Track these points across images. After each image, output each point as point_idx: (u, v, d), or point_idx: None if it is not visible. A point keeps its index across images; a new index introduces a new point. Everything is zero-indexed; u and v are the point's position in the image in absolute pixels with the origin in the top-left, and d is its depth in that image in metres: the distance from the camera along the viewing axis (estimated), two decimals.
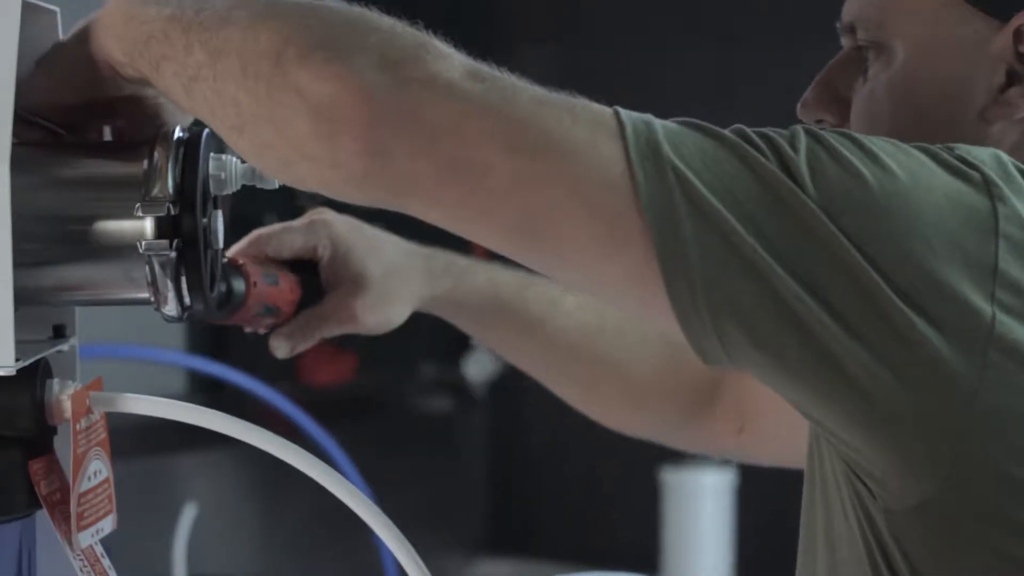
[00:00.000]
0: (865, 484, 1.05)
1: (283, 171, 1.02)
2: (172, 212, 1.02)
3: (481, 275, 1.44)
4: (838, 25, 1.21)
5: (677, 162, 0.98)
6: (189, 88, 1.01)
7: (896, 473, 1.03)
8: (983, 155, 1.05)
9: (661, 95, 1.10)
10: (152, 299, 1.04)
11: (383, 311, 1.38)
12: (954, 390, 1.00)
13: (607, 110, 1.01)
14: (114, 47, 1.04)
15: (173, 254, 1.02)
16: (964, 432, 1.00)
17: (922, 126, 1.11)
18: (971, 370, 1.00)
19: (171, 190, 1.02)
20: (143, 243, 1.02)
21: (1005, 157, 1.05)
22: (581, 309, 1.48)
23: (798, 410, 1.06)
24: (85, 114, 1.09)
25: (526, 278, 1.46)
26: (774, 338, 0.99)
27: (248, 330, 1.38)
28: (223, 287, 1.25)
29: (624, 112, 1.01)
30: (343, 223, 1.38)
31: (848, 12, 1.19)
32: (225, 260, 1.27)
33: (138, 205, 1.02)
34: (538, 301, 1.47)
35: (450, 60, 0.99)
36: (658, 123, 1.01)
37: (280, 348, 1.36)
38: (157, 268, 1.02)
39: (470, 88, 0.98)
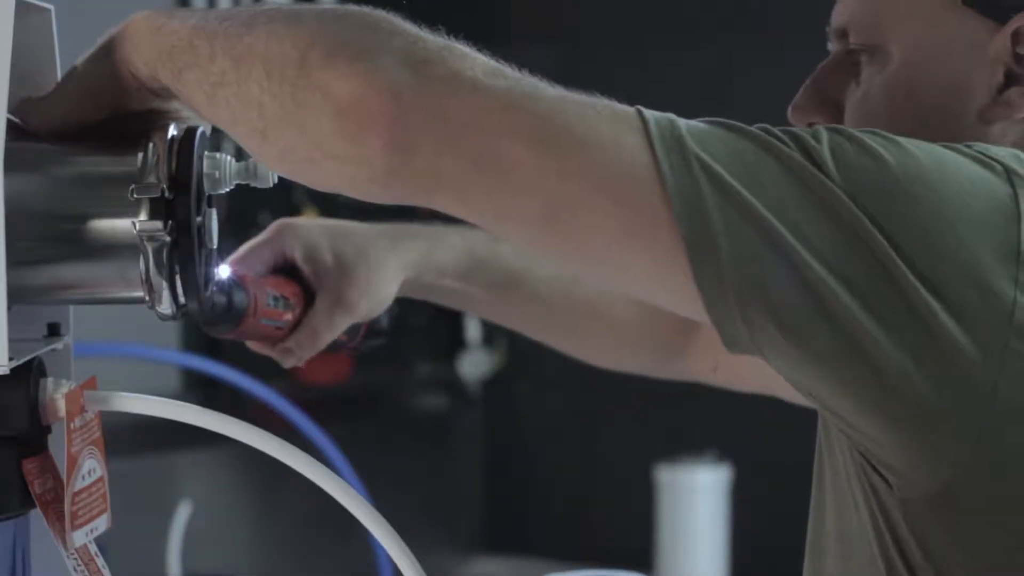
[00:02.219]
0: (882, 475, 1.06)
1: (308, 172, 1.02)
2: (166, 195, 1.02)
3: (454, 235, 1.45)
4: (827, 30, 1.22)
5: (702, 153, 0.99)
6: (212, 95, 1.02)
7: (916, 462, 1.03)
8: (1003, 152, 1.06)
9: (659, 95, 1.10)
10: (146, 297, 1.04)
11: (373, 289, 1.38)
12: (974, 379, 1.00)
13: (629, 107, 1.02)
14: (137, 59, 1.05)
15: (167, 238, 1.02)
16: (985, 420, 1.01)
17: (921, 127, 1.11)
18: (991, 359, 1.00)
19: (166, 177, 1.02)
20: (136, 224, 1.02)
21: (1022, 154, 1.06)
22: None
23: (817, 402, 1.07)
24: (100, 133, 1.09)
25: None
26: (801, 324, 1.00)
27: (257, 347, 1.37)
28: (224, 299, 1.25)
29: (646, 110, 1.02)
30: (304, 221, 1.39)
31: (839, 16, 1.20)
32: (228, 276, 1.27)
33: (132, 187, 1.02)
34: (514, 254, 1.47)
35: (473, 60, 1.00)
36: (680, 120, 1.02)
37: (287, 360, 1.36)
38: (151, 257, 1.02)
39: (494, 85, 0.99)
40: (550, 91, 1.01)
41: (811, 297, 0.99)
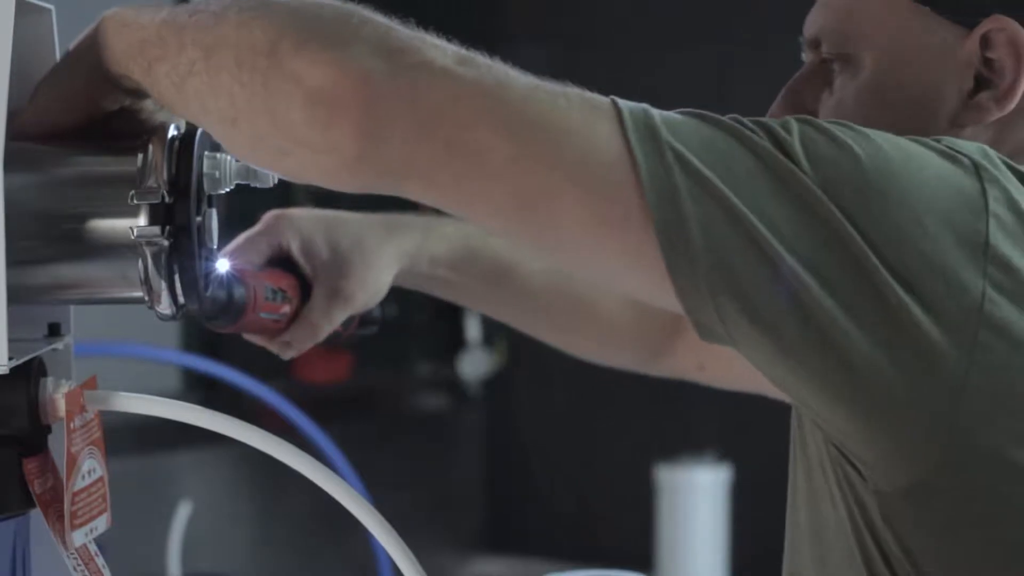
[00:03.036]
0: (855, 467, 1.06)
1: (277, 161, 1.02)
2: (166, 200, 1.02)
3: (448, 225, 1.45)
4: (801, 40, 1.22)
5: (675, 142, 1.00)
6: (181, 86, 1.02)
7: (888, 455, 1.04)
8: (970, 147, 1.07)
9: (658, 95, 1.09)
10: (146, 297, 1.04)
11: (369, 281, 1.39)
12: (945, 372, 1.01)
13: (602, 97, 1.02)
14: (109, 57, 1.05)
15: (166, 242, 1.02)
16: (956, 414, 1.01)
17: (893, 133, 1.12)
18: (961, 352, 1.01)
19: (165, 181, 1.02)
20: (135, 230, 1.02)
21: (991, 151, 1.08)
22: None
23: (790, 394, 1.07)
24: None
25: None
26: (771, 315, 1.00)
27: (255, 339, 1.37)
28: (223, 294, 1.25)
29: (620, 102, 1.02)
30: (299, 212, 1.40)
31: (811, 26, 1.21)
32: (227, 271, 1.27)
33: (132, 192, 1.02)
34: (506, 246, 1.48)
35: (444, 50, 1.00)
36: (654, 109, 1.02)
37: (286, 353, 1.37)
38: (150, 261, 1.02)
39: (466, 73, 0.99)
40: (522, 79, 1.01)
41: (782, 288, 0.99)
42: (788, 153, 1.01)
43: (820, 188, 1.00)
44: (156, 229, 1.02)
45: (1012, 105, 1.15)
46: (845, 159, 1.01)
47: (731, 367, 1.46)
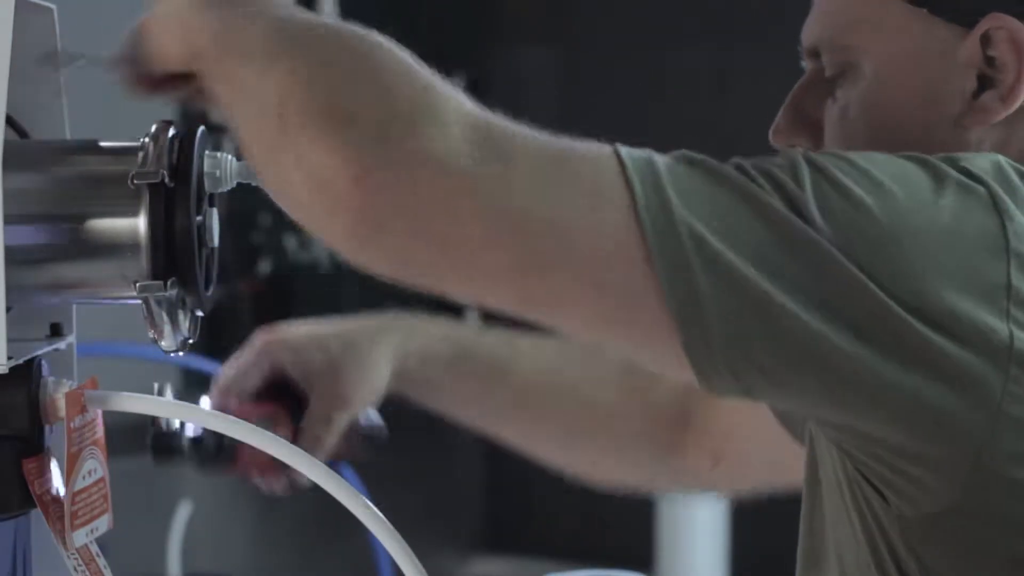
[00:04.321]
0: (876, 488, 1.05)
1: (295, 215, 1.01)
2: (166, 182, 1.01)
3: (441, 327, 1.46)
4: (800, 49, 1.21)
5: (689, 218, 0.97)
6: (228, 108, 1.02)
7: (919, 483, 1.03)
8: (984, 164, 1.05)
9: (660, 95, 1.08)
10: (150, 333, 1.05)
11: (364, 381, 1.39)
12: (980, 403, 1.00)
13: (611, 166, 0.98)
14: (170, 45, 1.04)
15: (170, 293, 1.02)
16: (984, 443, 1.01)
17: (899, 139, 1.11)
18: (994, 383, 1.00)
19: (166, 165, 1.02)
20: (138, 285, 1.02)
21: (1004, 162, 1.06)
22: (537, 347, 1.48)
23: (817, 424, 1.07)
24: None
25: (481, 327, 1.47)
26: (796, 382, 1.00)
27: (265, 486, 1.37)
28: (211, 441, 1.26)
29: (630, 165, 0.98)
30: (288, 333, 1.39)
31: (809, 35, 1.19)
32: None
33: (132, 173, 1.01)
34: (500, 343, 1.47)
35: (451, 126, 0.97)
36: (662, 168, 0.99)
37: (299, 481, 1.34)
38: (153, 307, 1.02)
39: (465, 163, 0.96)
40: (528, 161, 0.98)
41: (803, 355, 0.98)
42: (801, 212, 0.99)
43: (836, 247, 0.98)
44: (159, 284, 1.01)
45: (1018, 103, 1.13)
46: (859, 216, 0.99)
47: (748, 460, 1.45)
